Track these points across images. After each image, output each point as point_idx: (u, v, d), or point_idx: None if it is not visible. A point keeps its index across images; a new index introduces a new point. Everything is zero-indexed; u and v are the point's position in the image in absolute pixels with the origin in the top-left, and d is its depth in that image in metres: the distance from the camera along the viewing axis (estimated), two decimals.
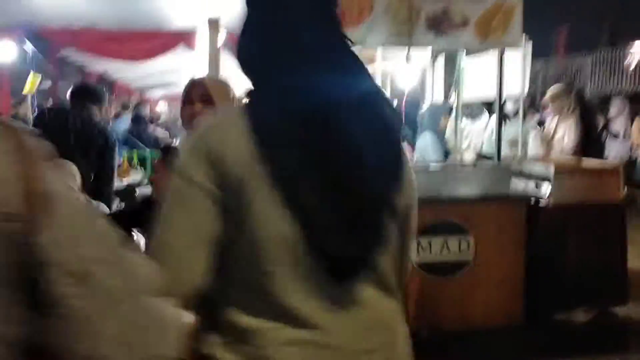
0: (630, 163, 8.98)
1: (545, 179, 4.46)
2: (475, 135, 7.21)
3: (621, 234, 4.47)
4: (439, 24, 4.50)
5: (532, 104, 10.57)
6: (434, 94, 7.67)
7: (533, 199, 4.39)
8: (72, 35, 9.76)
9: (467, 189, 4.23)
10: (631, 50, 12.48)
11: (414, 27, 4.44)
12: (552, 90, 6.17)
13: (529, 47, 5.71)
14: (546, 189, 4.44)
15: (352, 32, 4.33)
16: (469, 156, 5.72)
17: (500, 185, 4.29)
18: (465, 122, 7.23)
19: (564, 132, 5.98)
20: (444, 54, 7.59)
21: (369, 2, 4.36)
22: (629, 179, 9.71)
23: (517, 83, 5.80)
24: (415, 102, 6.64)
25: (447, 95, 7.49)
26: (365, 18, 4.36)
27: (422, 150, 5.51)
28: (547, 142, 6.02)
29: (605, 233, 4.42)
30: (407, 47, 4.48)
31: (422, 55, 7.76)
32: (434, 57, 7.68)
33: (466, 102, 7.20)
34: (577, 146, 5.93)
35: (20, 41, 7.47)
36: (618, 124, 9.34)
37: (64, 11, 6.41)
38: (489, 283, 4.30)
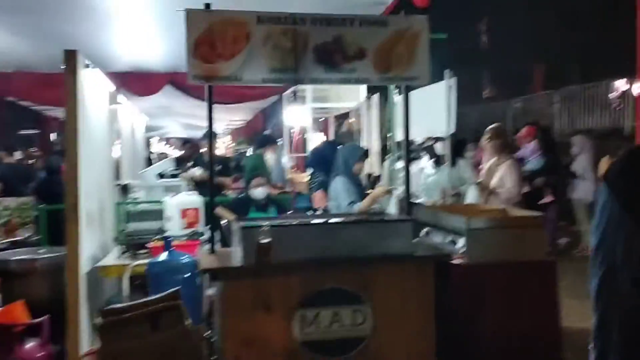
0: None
1: (460, 233, 3.77)
2: (412, 180, 6.55)
3: (550, 295, 3.76)
4: (330, 56, 3.87)
5: None
6: (371, 134, 7.08)
7: (445, 258, 3.69)
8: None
9: (364, 247, 3.52)
10: (616, 86, 12.02)
11: (300, 59, 3.81)
12: (490, 128, 5.54)
13: (453, 82, 5.13)
14: (461, 245, 3.76)
15: (223, 67, 3.73)
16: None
17: (405, 241, 3.58)
18: (400, 164, 6.59)
19: (502, 176, 5.32)
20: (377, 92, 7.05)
21: (244, 30, 3.73)
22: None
23: (441, 122, 5.21)
24: (336, 145, 6.00)
25: (383, 136, 6.90)
26: (240, 49, 3.72)
27: (334, 197, 4.85)
28: (486, 189, 5.34)
29: (530, 295, 3.70)
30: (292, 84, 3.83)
31: (356, 92, 7.26)
32: (369, 94, 7.12)
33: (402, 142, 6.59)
34: (517, 193, 5.27)
35: None
36: (579, 163, 8.71)
37: None
38: None
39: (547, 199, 7.87)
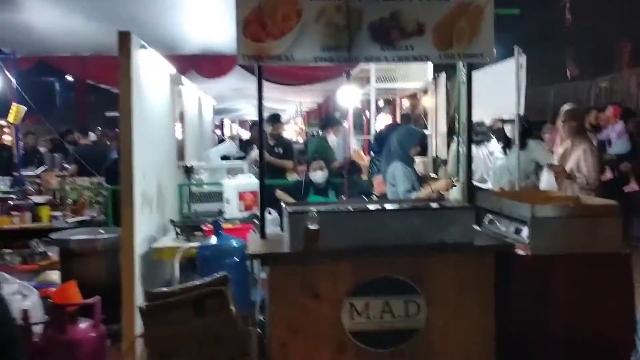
0: None
1: (525, 221, 3.50)
2: (479, 164, 6.25)
3: (623, 290, 3.44)
4: (387, 33, 3.66)
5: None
6: (438, 116, 6.80)
7: (507, 248, 3.44)
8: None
9: (419, 235, 3.32)
10: None
11: (354, 37, 3.62)
12: (565, 109, 5.16)
13: (523, 60, 4.79)
14: (526, 234, 3.49)
15: (273, 45, 3.60)
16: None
17: (464, 229, 3.36)
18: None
19: (578, 160, 4.95)
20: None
21: (295, 6, 3.58)
22: None
23: (510, 102, 4.89)
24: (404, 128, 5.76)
25: (451, 117, 6.61)
26: (290, 27, 3.58)
27: (391, 183, 4.66)
28: (561, 174, 4.98)
29: (601, 290, 3.40)
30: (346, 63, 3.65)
31: (423, 72, 6.98)
32: (435, 74, 6.82)
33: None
34: (595, 179, 4.89)
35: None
36: None
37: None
38: (448, 357, 3.36)
39: (633, 186, 7.28)
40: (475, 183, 6.02)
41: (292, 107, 18.90)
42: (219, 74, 9.49)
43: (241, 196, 5.04)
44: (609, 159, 7.25)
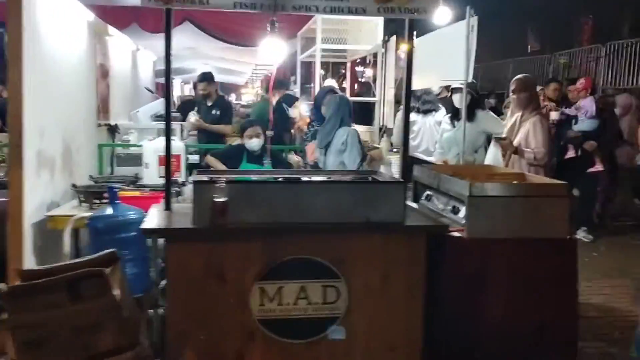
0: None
1: (463, 200, 3.14)
2: (425, 135, 5.88)
3: (566, 279, 3.13)
4: None
5: None
6: (386, 82, 6.38)
7: (440, 229, 3.07)
8: None
9: (342, 212, 2.92)
10: None
11: None
12: (516, 78, 4.79)
13: (474, 22, 4.39)
14: (463, 214, 3.13)
15: None
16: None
17: (393, 208, 2.96)
18: (415, 117, 5.89)
19: (527, 134, 4.60)
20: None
21: None
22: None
23: (459, 69, 4.50)
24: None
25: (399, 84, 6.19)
26: None
27: (338, 151, 4.26)
28: (508, 148, 4.63)
29: (542, 278, 3.08)
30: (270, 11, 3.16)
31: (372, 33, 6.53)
32: (385, 37, 6.38)
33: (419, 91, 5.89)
34: (544, 154, 4.55)
35: None
36: (624, 124, 7.79)
37: None
38: (371, 349, 3.00)
39: (598, 166, 6.92)
40: (419, 155, 5.66)
41: (247, 68, 18.23)
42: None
43: (162, 160, 4.53)
44: (573, 136, 6.91)
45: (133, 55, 7.84)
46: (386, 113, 6.37)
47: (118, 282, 2.66)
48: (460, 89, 5.09)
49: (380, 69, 6.32)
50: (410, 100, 5.65)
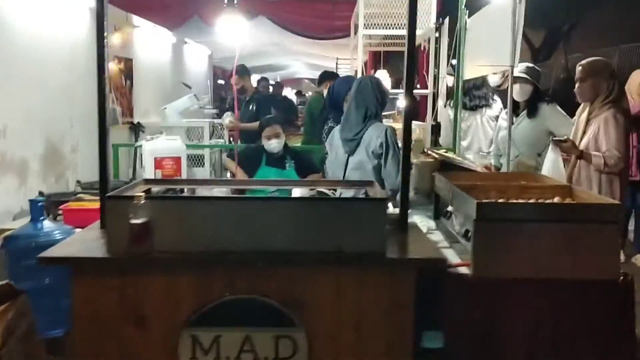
0: None
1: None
2: (475, 134, 4.98)
3: (619, 337, 2.25)
4: None
5: None
6: (440, 73, 5.55)
7: (436, 264, 2.28)
8: None
9: (304, 239, 2.21)
10: None
11: None
12: (582, 65, 3.82)
13: (522, 7, 3.50)
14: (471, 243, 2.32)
15: None
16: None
17: (373, 233, 2.21)
18: (463, 113, 4.99)
19: (595, 133, 3.65)
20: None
21: None
22: None
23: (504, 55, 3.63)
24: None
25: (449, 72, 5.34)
26: None
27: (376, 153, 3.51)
28: (573, 152, 3.70)
29: (583, 334, 2.22)
30: None
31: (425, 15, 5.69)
32: (438, 20, 5.53)
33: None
34: (619, 160, 3.58)
35: None
36: None
37: None
38: None
39: None
40: (456, 160, 4.77)
41: (331, 64, 17.76)
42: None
43: (158, 163, 4.00)
44: None
45: (176, 48, 7.41)
46: (439, 107, 5.53)
47: (3, 327, 2.09)
48: (521, 78, 4.19)
49: (434, 57, 5.47)
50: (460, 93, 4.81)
